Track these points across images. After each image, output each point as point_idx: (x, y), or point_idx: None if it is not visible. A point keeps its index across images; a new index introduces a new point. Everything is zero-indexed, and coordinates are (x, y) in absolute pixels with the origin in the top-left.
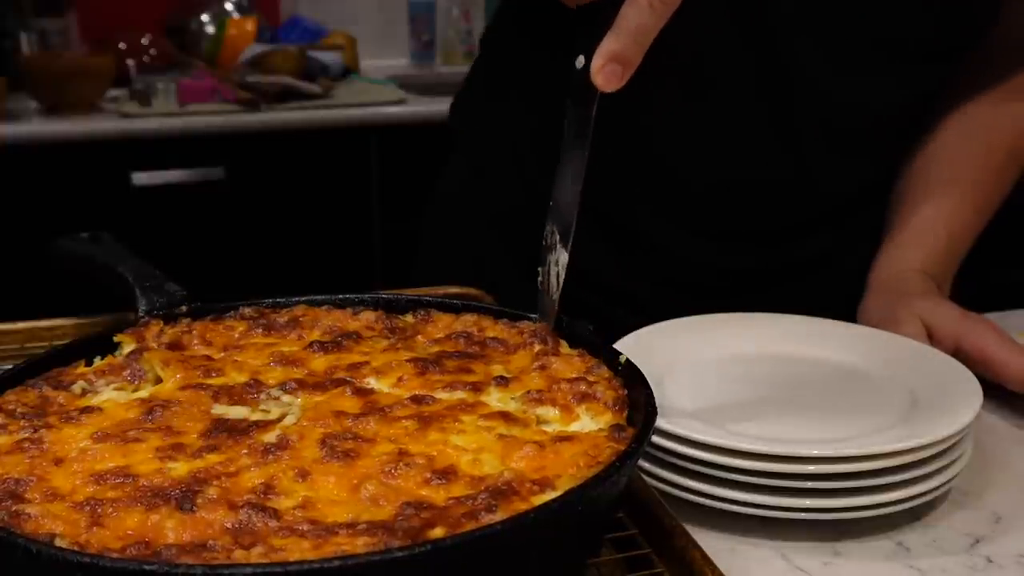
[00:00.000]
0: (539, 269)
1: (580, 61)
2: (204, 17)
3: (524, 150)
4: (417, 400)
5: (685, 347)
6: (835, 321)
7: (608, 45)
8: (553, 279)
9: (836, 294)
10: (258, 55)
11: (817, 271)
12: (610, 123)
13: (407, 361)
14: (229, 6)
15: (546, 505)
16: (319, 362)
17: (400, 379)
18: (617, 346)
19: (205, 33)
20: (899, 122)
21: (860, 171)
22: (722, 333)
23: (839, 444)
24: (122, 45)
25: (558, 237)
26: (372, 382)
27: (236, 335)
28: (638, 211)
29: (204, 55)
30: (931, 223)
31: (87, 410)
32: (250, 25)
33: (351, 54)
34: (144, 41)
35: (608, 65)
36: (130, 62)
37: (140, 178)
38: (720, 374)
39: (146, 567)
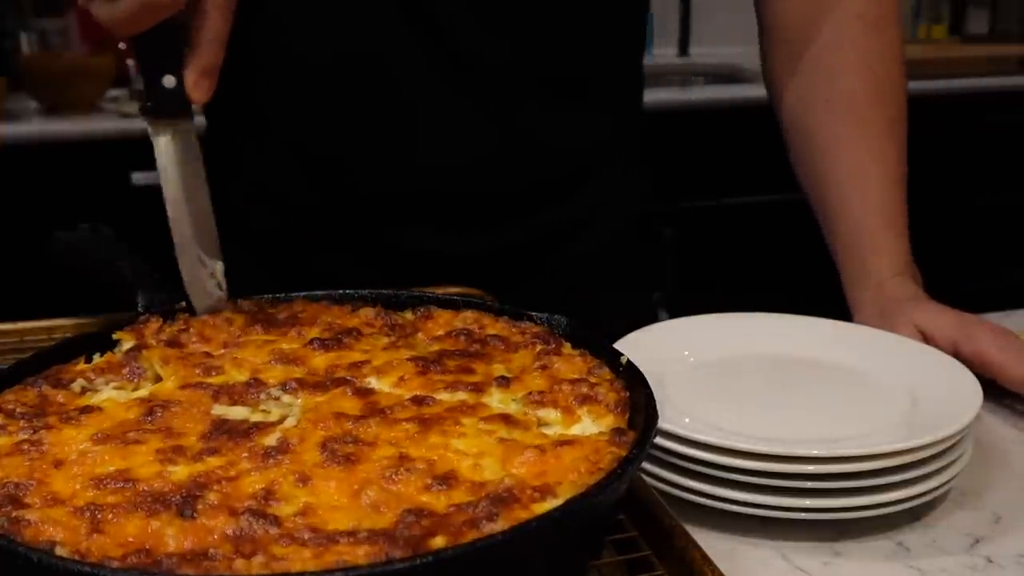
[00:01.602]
0: (185, 283)
1: (170, 80)
2: None
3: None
4: (418, 401)
5: (685, 347)
6: (835, 321)
7: (198, 61)
8: (214, 289)
9: (579, 274)
10: None
11: (555, 249)
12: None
13: (408, 360)
14: None
15: (547, 514)
16: (319, 360)
17: (401, 379)
18: (617, 346)
19: None
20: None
21: (571, 125)
22: (722, 333)
23: (839, 444)
24: (122, 45)
25: (202, 253)
26: (373, 381)
27: (235, 331)
28: (366, 215)
29: None
30: (879, 226)
31: (87, 410)
32: None
33: None
34: None
35: (201, 80)
36: (130, 62)
37: (140, 178)
38: (720, 374)
39: None
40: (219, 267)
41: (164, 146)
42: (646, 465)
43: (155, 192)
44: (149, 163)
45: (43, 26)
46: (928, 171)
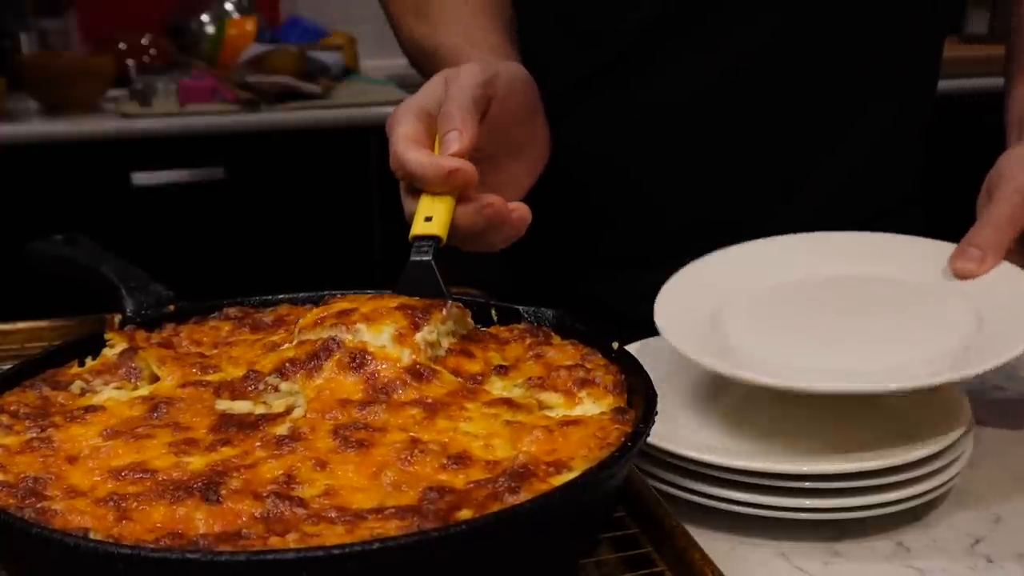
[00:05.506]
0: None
1: None
2: (204, 17)
3: None
4: (417, 376)
5: (745, 276)
6: (900, 236)
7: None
8: None
9: None
10: (258, 55)
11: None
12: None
13: (396, 309)
14: (229, 6)
15: (573, 482)
16: (308, 318)
17: (400, 334)
18: (676, 276)
19: (205, 33)
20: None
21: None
22: (780, 258)
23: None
24: (122, 45)
25: None
26: (364, 331)
27: (224, 334)
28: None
29: (204, 55)
30: None
31: (90, 409)
32: (250, 25)
33: (351, 54)
34: (144, 41)
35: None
36: (130, 62)
37: (140, 178)
38: (777, 304)
39: (189, 556)
40: None
41: None
42: (646, 466)
43: (155, 192)
44: (149, 163)
45: (43, 26)
46: (926, 170)
